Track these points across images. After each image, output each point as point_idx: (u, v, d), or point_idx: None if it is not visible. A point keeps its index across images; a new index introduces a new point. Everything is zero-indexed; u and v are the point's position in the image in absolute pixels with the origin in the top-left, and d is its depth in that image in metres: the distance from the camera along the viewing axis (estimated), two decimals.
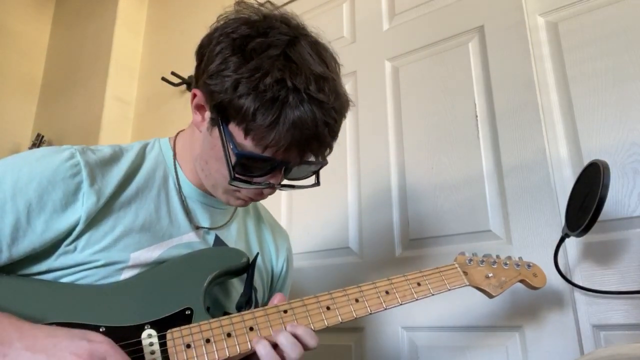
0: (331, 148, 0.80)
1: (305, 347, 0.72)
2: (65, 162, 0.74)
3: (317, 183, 0.84)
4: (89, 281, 0.73)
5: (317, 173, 0.84)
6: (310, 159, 0.78)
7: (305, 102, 0.72)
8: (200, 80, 0.77)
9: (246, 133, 0.72)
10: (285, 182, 0.81)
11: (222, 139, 0.74)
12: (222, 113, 0.74)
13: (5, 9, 2.58)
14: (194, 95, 0.79)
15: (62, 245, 0.73)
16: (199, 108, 0.80)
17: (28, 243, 0.71)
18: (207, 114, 0.78)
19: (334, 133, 0.77)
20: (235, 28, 0.75)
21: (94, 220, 0.74)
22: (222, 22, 0.78)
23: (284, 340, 0.71)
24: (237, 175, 0.76)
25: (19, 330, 0.60)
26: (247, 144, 0.73)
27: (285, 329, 0.73)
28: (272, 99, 0.70)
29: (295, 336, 0.72)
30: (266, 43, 0.73)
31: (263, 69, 0.71)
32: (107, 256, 0.74)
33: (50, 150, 0.76)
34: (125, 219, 0.77)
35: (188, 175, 0.87)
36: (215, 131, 0.76)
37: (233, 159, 0.74)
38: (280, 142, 0.72)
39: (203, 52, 0.78)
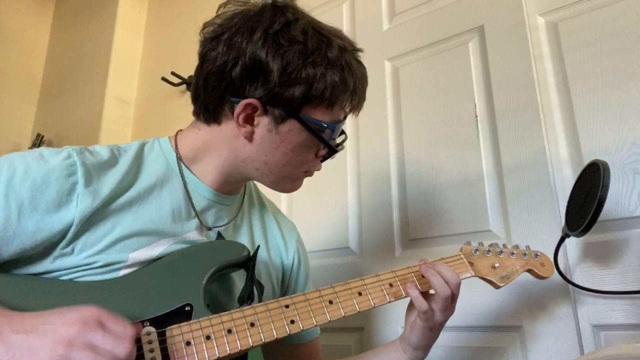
0: None
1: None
2: (61, 162, 0.73)
3: (345, 135, 0.91)
4: (87, 279, 0.72)
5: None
6: None
7: (357, 57, 0.83)
8: (249, 91, 0.77)
9: (331, 105, 0.79)
10: None
11: (305, 127, 0.79)
12: (298, 104, 0.77)
13: (5, 9, 2.58)
14: (244, 107, 0.77)
15: (58, 248, 0.72)
16: (247, 119, 0.79)
17: (18, 243, 0.69)
18: (262, 120, 0.79)
19: None
20: (266, 25, 0.77)
21: (90, 222, 0.73)
22: (232, 29, 0.78)
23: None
24: (336, 146, 0.85)
25: (6, 317, 0.59)
26: (330, 116, 0.80)
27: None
28: (344, 65, 0.79)
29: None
30: (301, 24, 0.78)
31: (324, 44, 0.77)
32: (106, 258, 0.73)
33: (49, 151, 0.75)
34: (125, 220, 0.76)
35: (201, 176, 0.85)
36: (285, 126, 0.79)
37: (329, 134, 0.81)
38: (360, 99, 0.84)
39: (232, 63, 0.77)
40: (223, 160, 0.84)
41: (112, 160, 0.79)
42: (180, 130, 0.90)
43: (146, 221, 0.78)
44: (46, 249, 0.72)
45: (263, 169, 0.83)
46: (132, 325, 0.60)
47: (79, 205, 0.72)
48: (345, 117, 0.85)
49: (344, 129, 0.89)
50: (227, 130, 0.81)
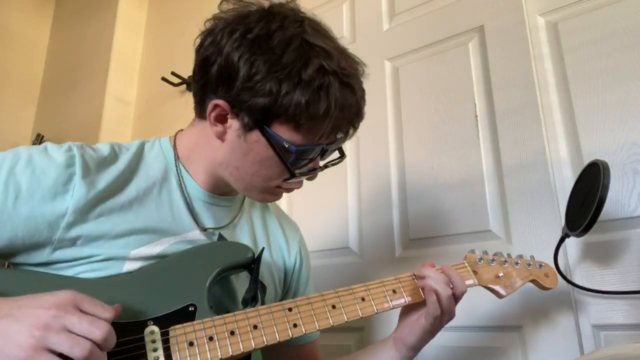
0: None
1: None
2: (62, 155, 0.75)
3: (344, 155, 0.87)
4: (90, 274, 0.72)
5: (340, 147, 0.86)
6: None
7: (345, 81, 0.75)
8: (220, 91, 0.76)
9: (298, 127, 0.74)
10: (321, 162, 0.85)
11: (268, 142, 0.75)
12: (263, 116, 0.74)
13: (5, 9, 2.58)
14: (214, 107, 0.76)
15: (56, 240, 0.72)
16: (219, 119, 0.78)
17: (10, 228, 0.70)
18: (234, 123, 0.77)
19: (365, 102, 0.82)
20: (247, 28, 0.75)
21: (85, 214, 0.73)
22: (221, 25, 0.77)
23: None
24: (297, 171, 0.79)
25: None
26: (298, 138, 0.75)
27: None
28: (319, 87, 0.72)
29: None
30: (287, 35, 0.74)
31: (300, 61, 0.72)
32: (107, 252, 0.73)
33: (52, 145, 0.77)
34: (126, 218, 0.77)
35: (194, 176, 0.86)
36: (252, 136, 0.76)
37: (289, 156, 0.76)
38: (335, 126, 0.76)
39: (212, 60, 0.76)
40: (208, 160, 0.84)
41: (112, 157, 0.80)
42: (181, 130, 0.91)
43: (147, 220, 0.79)
44: (43, 241, 0.72)
45: (235, 174, 0.82)
46: (109, 307, 0.60)
47: (74, 195, 0.73)
48: (332, 143, 0.80)
49: (344, 150, 0.86)
50: (210, 128, 0.81)
